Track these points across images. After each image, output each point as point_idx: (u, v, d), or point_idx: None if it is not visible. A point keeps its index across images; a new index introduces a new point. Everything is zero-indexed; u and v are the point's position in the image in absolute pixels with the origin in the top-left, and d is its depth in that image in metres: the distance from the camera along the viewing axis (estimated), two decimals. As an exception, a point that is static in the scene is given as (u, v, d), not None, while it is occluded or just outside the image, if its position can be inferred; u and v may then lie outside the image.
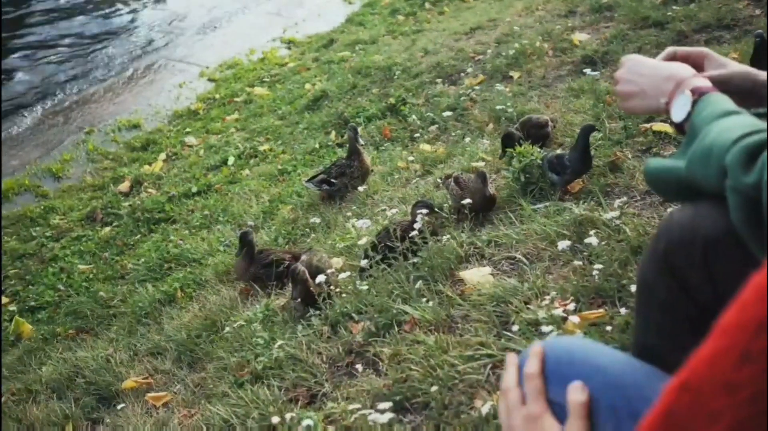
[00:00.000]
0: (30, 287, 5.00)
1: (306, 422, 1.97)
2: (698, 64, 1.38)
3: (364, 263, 2.88)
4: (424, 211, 2.91)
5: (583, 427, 1.02)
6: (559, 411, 1.01)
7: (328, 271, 2.94)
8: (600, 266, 2.23)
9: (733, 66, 1.31)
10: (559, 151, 3.31)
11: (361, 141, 4.25)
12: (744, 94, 1.23)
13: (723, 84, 1.23)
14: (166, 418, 2.69)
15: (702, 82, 1.22)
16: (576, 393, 1.01)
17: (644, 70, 1.32)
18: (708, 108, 1.14)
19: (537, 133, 3.61)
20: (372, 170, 4.29)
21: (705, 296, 1.10)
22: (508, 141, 3.44)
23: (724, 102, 1.14)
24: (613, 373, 0.99)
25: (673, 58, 1.44)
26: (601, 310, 2.07)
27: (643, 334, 1.22)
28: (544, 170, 3.08)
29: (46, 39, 10.30)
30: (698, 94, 1.18)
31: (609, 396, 0.97)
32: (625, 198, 2.63)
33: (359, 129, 4.44)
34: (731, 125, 1.06)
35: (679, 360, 1.05)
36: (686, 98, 1.19)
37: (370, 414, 1.91)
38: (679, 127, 1.21)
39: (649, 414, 0.67)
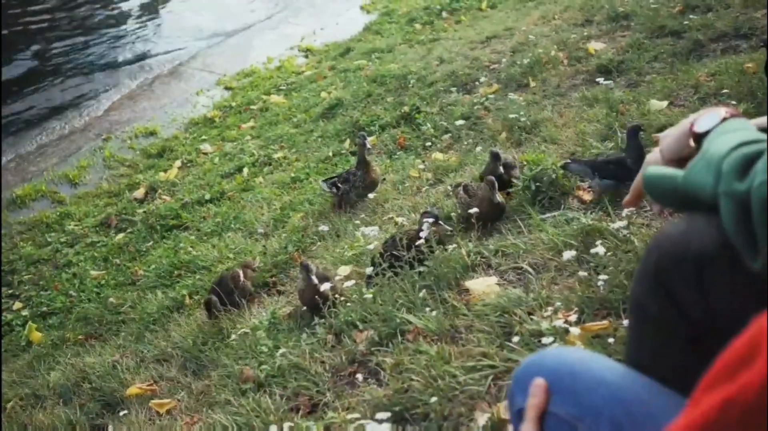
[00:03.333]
0: (43, 292, 5.03)
1: (303, 432, 1.94)
2: None
3: (369, 270, 2.85)
4: (431, 220, 2.88)
5: (532, 429, 1.02)
6: (555, 422, 1.00)
7: (335, 278, 2.93)
8: (606, 276, 2.18)
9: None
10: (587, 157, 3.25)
11: (369, 146, 4.21)
12: None
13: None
14: (168, 425, 2.68)
15: (734, 110, 1.18)
16: (534, 395, 1.02)
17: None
18: (725, 127, 1.11)
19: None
20: (383, 179, 4.26)
21: (698, 313, 1.07)
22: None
23: (741, 123, 1.11)
24: (616, 387, 0.99)
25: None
26: (605, 322, 2.02)
27: (636, 352, 1.19)
28: (580, 176, 3.02)
29: (65, 48, 10.43)
30: (729, 115, 1.15)
31: (612, 409, 0.96)
32: (633, 208, 2.58)
33: (369, 138, 4.42)
34: (733, 137, 1.04)
35: (672, 379, 1.02)
36: (717, 115, 1.16)
37: (368, 424, 1.88)
38: (698, 142, 1.17)
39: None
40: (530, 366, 1.08)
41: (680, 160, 1.27)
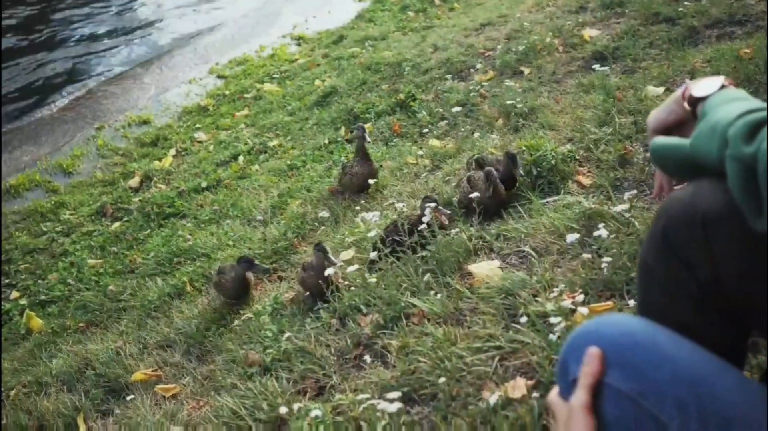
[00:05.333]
0: (40, 281, 5.03)
1: (314, 413, 1.97)
2: None
3: (373, 255, 2.88)
4: (432, 205, 2.91)
5: (587, 400, 1.01)
6: (615, 395, 0.98)
7: (338, 264, 2.95)
8: (609, 259, 2.22)
9: None
10: None
11: (369, 139, 4.17)
12: None
13: None
14: (175, 409, 2.70)
15: (734, 82, 1.24)
16: (589, 363, 1.00)
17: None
18: (722, 96, 1.16)
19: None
20: (375, 175, 4.12)
21: (704, 274, 1.09)
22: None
23: (740, 92, 1.17)
24: (683, 365, 0.96)
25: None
26: (609, 302, 2.06)
27: (644, 312, 1.21)
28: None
29: (56, 36, 10.35)
30: (728, 84, 1.21)
31: (677, 389, 0.93)
32: (634, 192, 2.61)
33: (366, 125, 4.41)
34: (738, 105, 1.08)
35: None
36: (717, 81, 1.21)
37: (378, 403, 1.91)
38: (693, 106, 1.22)
39: None
40: (587, 335, 1.06)
41: (667, 130, 1.33)
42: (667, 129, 1.33)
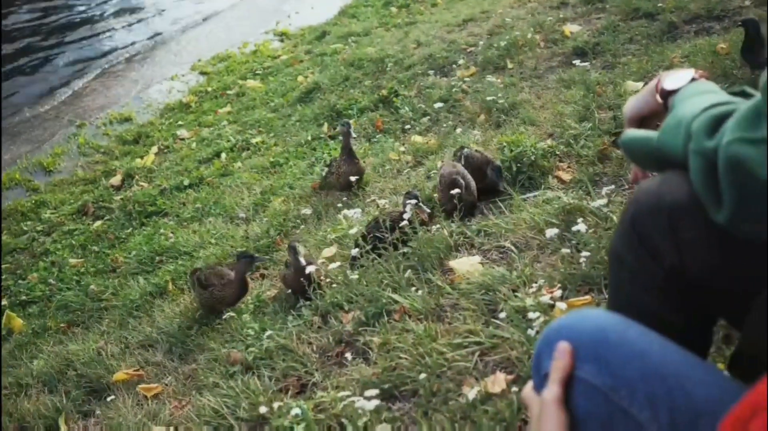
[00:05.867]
0: (21, 281, 4.98)
1: (294, 411, 1.97)
2: None
3: (354, 252, 2.88)
4: (413, 201, 2.91)
5: (558, 393, 1.01)
6: (587, 390, 0.98)
7: (319, 261, 2.95)
8: (587, 253, 2.23)
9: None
10: None
11: (354, 135, 4.14)
12: None
13: None
14: (157, 409, 2.69)
15: (705, 74, 1.26)
16: (559, 357, 1.00)
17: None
18: (692, 89, 1.19)
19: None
20: (362, 172, 4.08)
21: (670, 262, 1.12)
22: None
23: (709, 85, 1.19)
24: (654, 359, 0.97)
25: None
26: (587, 297, 2.07)
27: (614, 300, 1.25)
28: None
29: (35, 33, 10.25)
30: (699, 77, 1.23)
31: (648, 383, 0.94)
32: (613, 187, 2.64)
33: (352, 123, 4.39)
34: (703, 98, 1.11)
35: (646, 324, 1.06)
36: (688, 74, 1.23)
37: (357, 401, 1.91)
38: (665, 99, 1.24)
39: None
40: (560, 330, 1.06)
41: (642, 120, 1.35)
42: (642, 119, 1.36)
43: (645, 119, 1.35)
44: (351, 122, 4.16)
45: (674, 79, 1.25)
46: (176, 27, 10.45)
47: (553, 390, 1.01)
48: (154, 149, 6.64)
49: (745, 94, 1.14)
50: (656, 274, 1.14)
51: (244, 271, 3.23)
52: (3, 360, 3.86)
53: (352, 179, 3.94)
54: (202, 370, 2.83)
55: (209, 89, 7.97)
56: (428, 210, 3.03)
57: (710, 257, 1.09)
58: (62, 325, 4.06)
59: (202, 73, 8.69)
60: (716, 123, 1.01)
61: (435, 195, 3.14)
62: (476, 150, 3.33)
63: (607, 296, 2.03)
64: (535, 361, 1.10)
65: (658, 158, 1.14)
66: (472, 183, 3.07)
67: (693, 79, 1.23)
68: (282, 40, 9.31)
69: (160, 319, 3.48)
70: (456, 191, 2.96)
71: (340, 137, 4.08)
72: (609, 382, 0.98)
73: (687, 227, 1.09)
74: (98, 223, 5.46)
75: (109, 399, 2.92)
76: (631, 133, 1.21)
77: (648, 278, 1.16)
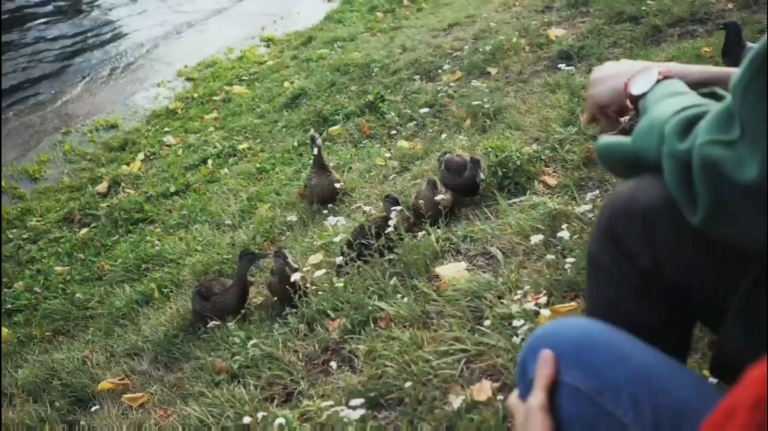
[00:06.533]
0: (6, 289, 4.94)
1: (279, 421, 1.96)
2: None
3: (339, 260, 2.87)
4: (398, 208, 2.91)
5: (543, 399, 1.02)
6: (572, 394, 0.99)
7: (304, 269, 2.94)
8: (573, 259, 2.24)
9: (668, 67, 1.35)
10: None
11: (320, 142, 3.92)
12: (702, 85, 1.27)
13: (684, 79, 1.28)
14: (142, 419, 2.67)
15: (666, 68, 1.28)
16: (543, 364, 1.01)
17: (619, 63, 1.39)
18: (661, 90, 1.20)
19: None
20: (339, 189, 3.99)
21: (646, 264, 1.13)
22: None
23: (678, 85, 1.21)
24: (637, 363, 0.98)
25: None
26: (573, 303, 2.08)
27: (592, 303, 1.25)
28: None
29: (21, 39, 10.18)
30: (663, 77, 1.24)
31: (632, 385, 0.95)
32: (597, 192, 2.65)
33: (335, 128, 4.33)
34: (675, 101, 1.12)
35: (623, 326, 1.07)
36: (652, 76, 1.25)
37: (342, 410, 1.90)
38: (635, 104, 1.26)
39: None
40: (545, 336, 1.07)
41: (604, 110, 1.38)
42: (605, 110, 1.38)
43: (607, 111, 1.37)
44: (317, 134, 4.07)
45: (641, 82, 1.26)
46: (162, 33, 10.40)
47: (538, 396, 1.02)
48: (141, 155, 6.61)
49: (715, 96, 1.15)
50: (632, 276, 1.15)
51: (246, 270, 3.15)
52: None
53: (337, 185, 3.92)
54: (187, 379, 2.81)
55: (195, 95, 7.94)
56: (409, 216, 3.03)
57: (685, 259, 1.10)
58: (47, 334, 4.03)
59: (189, 79, 8.66)
60: (688, 125, 1.02)
61: (421, 201, 3.13)
62: (457, 155, 3.33)
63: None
64: (520, 368, 1.11)
65: (632, 163, 1.15)
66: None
67: (658, 81, 1.24)
68: (268, 46, 9.29)
69: (146, 327, 3.46)
70: (441, 197, 2.97)
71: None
72: (594, 385, 0.99)
73: (661, 229, 1.10)
74: (84, 230, 5.43)
75: (93, 409, 2.90)
76: (605, 139, 1.22)
77: (624, 280, 1.16)
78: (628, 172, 1.18)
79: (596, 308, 1.22)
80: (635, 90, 1.26)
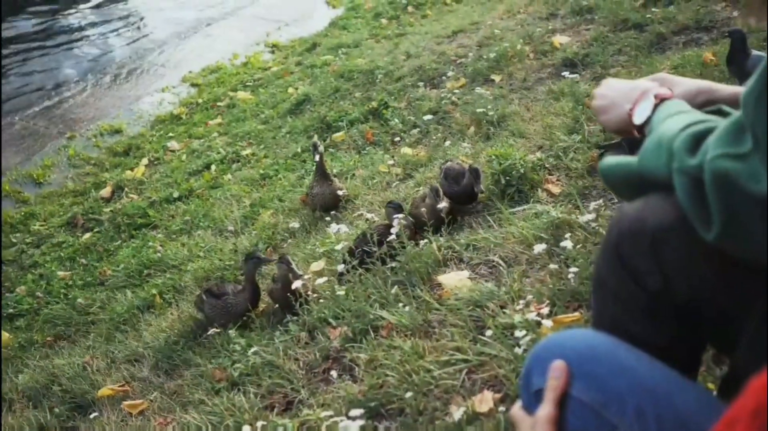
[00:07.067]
0: (9, 294, 4.94)
1: (278, 430, 1.94)
2: None
3: (341, 268, 2.86)
4: (401, 215, 2.89)
5: (553, 412, 1.01)
6: (577, 407, 0.99)
7: (305, 276, 2.92)
8: (576, 269, 2.22)
9: (683, 84, 1.37)
10: None
11: (322, 150, 3.94)
12: (698, 106, 1.28)
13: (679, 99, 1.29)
14: (142, 426, 2.65)
15: (664, 90, 1.30)
16: (554, 375, 1.00)
17: (616, 86, 1.41)
18: (664, 111, 1.20)
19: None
20: (342, 197, 4.00)
21: (654, 286, 1.11)
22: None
23: (680, 105, 1.20)
24: (642, 375, 0.98)
25: None
26: (576, 313, 2.06)
27: (598, 323, 1.24)
28: None
29: (27, 44, 10.21)
30: (660, 100, 1.25)
31: (637, 397, 0.95)
32: (601, 201, 2.63)
33: (338, 134, 4.32)
34: (680, 118, 1.12)
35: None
36: (649, 102, 1.27)
37: (341, 421, 1.89)
38: (641, 131, 1.25)
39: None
40: (551, 347, 1.07)
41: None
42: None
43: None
44: (319, 141, 4.06)
45: (641, 110, 1.28)
46: (168, 38, 10.42)
47: (547, 409, 1.01)
48: (145, 160, 6.62)
49: (721, 113, 1.14)
50: (639, 298, 1.14)
51: (254, 273, 3.12)
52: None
53: (340, 193, 3.91)
54: (188, 386, 2.80)
55: (200, 101, 7.95)
56: (412, 220, 3.02)
57: (696, 278, 1.08)
58: (49, 339, 4.03)
59: (193, 84, 8.68)
60: (697, 141, 1.01)
61: (423, 209, 3.12)
62: (458, 163, 3.32)
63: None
64: (524, 379, 1.10)
65: (638, 183, 1.14)
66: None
67: (656, 105, 1.25)
68: (273, 52, 9.30)
69: (147, 334, 3.45)
70: (444, 205, 2.95)
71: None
72: (599, 398, 0.98)
73: (672, 250, 1.08)
74: (87, 235, 5.43)
75: (93, 415, 2.88)
76: (609, 160, 1.21)
77: (631, 302, 1.15)
78: (633, 192, 1.17)
79: (602, 327, 1.20)
80: (638, 120, 1.28)
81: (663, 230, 1.08)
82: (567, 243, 2.31)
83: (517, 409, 1.11)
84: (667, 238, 1.08)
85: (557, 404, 1.01)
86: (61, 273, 4.92)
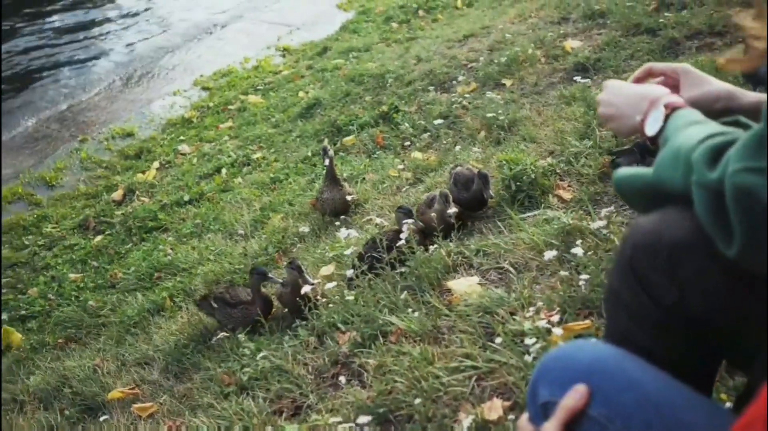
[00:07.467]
0: (21, 295, 4.98)
1: (286, 436, 1.94)
2: (674, 81, 1.42)
3: (350, 273, 2.86)
4: (410, 220, 2.89)
5: (556, 428, 1.00)
6: (584, 421, 0.98)
7: (314, 281, 2.92)
8: (586, 276, 2.20)
9: (710, 84, 1.33)
10: None
11: (331, 154, 3.92)
12: (717, 113, 1.26)
13: (694, 105, 1.27)
14: (151, 429, 2.66)
15: (675, 99, 1.27)
16: (573, 397, 0.99)
17: (622, 92, 1.39)
18: (678, 121, 1.17)
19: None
20: (351, 201, 3.98)
21: (669, 301, 1.09)
22: None
23: (694, 115, 1.18)
24: (649, 389, 0.97)
25: (649, 73, 1.48)
26: (587, 321, 2.04)
27: (609, 336, 1.22)
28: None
29: (39, 46, 10.29)
30: (671, 109, 1.22)
31: (643, 413, 0.94)
32: (613, 208, 2.61)
33: (348, 138, 4.32)
34: (698, 130, 1.09)
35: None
36: (659, 113, 1.24)
37: (350, 427, 1.88)
38: (654, 142, 1.23)
39: None
40: (557, 359, 1.06)
41: None
42: None
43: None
44: (329, 146, 4.06)
45: (652, 120, 1.26)
46: (179, 42, 10.47)
47: (553, 426, 1.00)
48: (156, 164, 6.65)
49: (739, 124, 1.12)
50: (652, 311, 1.12)
51: (258, 286, 3.11)
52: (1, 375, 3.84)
53: (349, 198, 3.91)
54: (197, 389, 2.81)
55: (211, 104, 7.99)
56: (422, 224, 3.01)
57: (712, 295, 1.06)
58: (60, 341, 4.05)
59: (204, 88, 8.71)
60: (717, 153, 0.99)
61: (433, 214, 3.11)
62: (467, 168, 3.31)
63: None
64: (531, 390, 1.09)
65: (653, 194, 1.12)
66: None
67: (668, 115, 1.23)
68: (283, 56, 9.32)
69: (157, 337, 3.47)
70: (453, 211, 2.95)
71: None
72: (605, 412, 0.97)
73: (688, 265, 1.06)
74: (99, 238, 5.47)
75: (103, 418, 2.90)
76: (624, 170, 1.19)
77: (643, 315, 1.13)
78: (647, 204, 1.15)
79: (614, 339, 1.18)
80: (650, 132, 1.26)
81: (679, 244, 1.06)
82: (578, 250, 2.30)
83: (524, 420, 1.11)
84: (684, 252, 1.06)
85: (565, 424, 1.00)
86: (72, 276, 4.95)
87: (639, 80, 1.51)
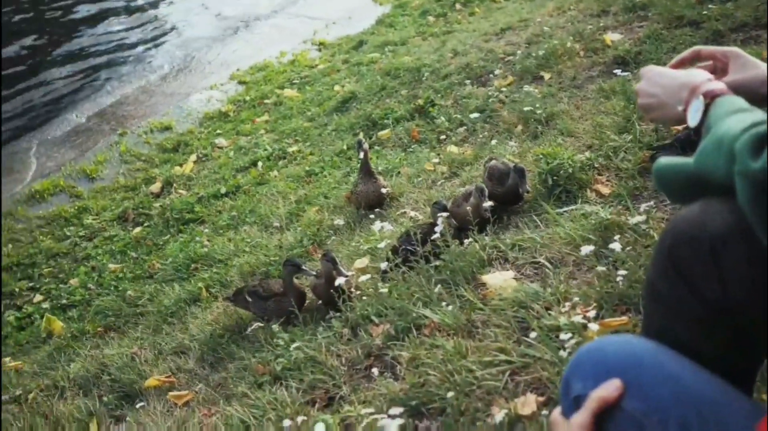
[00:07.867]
0: (62, 285, 5.10)
1: (318, 425, 1.95)
2: (723, 65, 1.37)
3: (384, 265, 2.85)
4: (445, 214, 2.87)
5: (587, 421, 0.98)
6: (617, 416, 0.97)
7: (348, 273, 2.93)
8: (624, 272, 2.17)
9: (759, 68, 1.29)
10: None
11: (366, 147, 3.92)
12: (763, 98, 1.22)
13: (739, 88, 1.22)
14: (186, 417, 2.70)
15: (715, 85, 1.23)
16: (605, 388, 0.98)
17: (661, 81, 1.35)
18: (720, 109, 1.14)
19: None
20: (386, 195, 3.99)
21: (712, 294, 1.06)
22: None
23: (737, 102, 1.15)
24: (687, 384, 0.95)
25: (697, 56, 1.44)
26: (624, 317, 2.01)
27: (645, 329, 1.20)
28: None
29: (81, 43, 10.48)
30: (711, 98, 1.19)
31: (681, 408, 0.92)
32: (652, 203, 2.56)
33: (383, 132, 4.31)
34: (741, 118, 1.06)
35: None
36: (699, 103, 1.21)
37: (381, 419, 1.88)
38: (698, 132, 1.19)
39: None
40: (591, 353, 1.05)
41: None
42: None
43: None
44: (363, 139, 4.05)
45: (694, 111, 1.22)
46: (216, 36, 10.58)
47: (583, 416, 0.99)
48: (193, 157, 6.75)
49: None
50: (694, 308, 1.08)
51: (290, 278, 3.11)
52: (42, 362, 3.94)
53: (383, 191, 3.91)
54: (231, 379, 2.84)
55: (247, 98, 8.06)
56: (454, 222, 2.99)
57: (755, 288, 1.02)
58: (99, 329, 4.14)
59: (241, 82, 8.80)
60: (761, 142, 0.96)
61: (468, 207, 3.09)
62: (502, 162, 3.27)
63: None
64: (564, 384, 1.08)
65: (693, 184, 1.09)
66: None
67: (708, 104, 1.19)
68: (319, 50, 9.36)
69: (193, 326, 3.51)
70: (489, 204, 2.92)
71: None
72: (641, 407, 0.96)
73: (731, 257, 1.03)
74: (137, 229, 5.57)
75: (139, 405, 2.94)
76: (664, 160, 1.16)
77: (684, 311, 1.10)
78: (687, 195, 1.12)
79: (651, 334, 1.16)
80: (693, 122, 1.23)
81: (723, 238, 1.03)
82: (616, 245, 2.26)
83: (556, 414, 1.09)
84: (727, 244, 1.03)
85: (595, 414, 0.98)
86: (112, 266, 5.05)
87: (683, 63, 1.47)
